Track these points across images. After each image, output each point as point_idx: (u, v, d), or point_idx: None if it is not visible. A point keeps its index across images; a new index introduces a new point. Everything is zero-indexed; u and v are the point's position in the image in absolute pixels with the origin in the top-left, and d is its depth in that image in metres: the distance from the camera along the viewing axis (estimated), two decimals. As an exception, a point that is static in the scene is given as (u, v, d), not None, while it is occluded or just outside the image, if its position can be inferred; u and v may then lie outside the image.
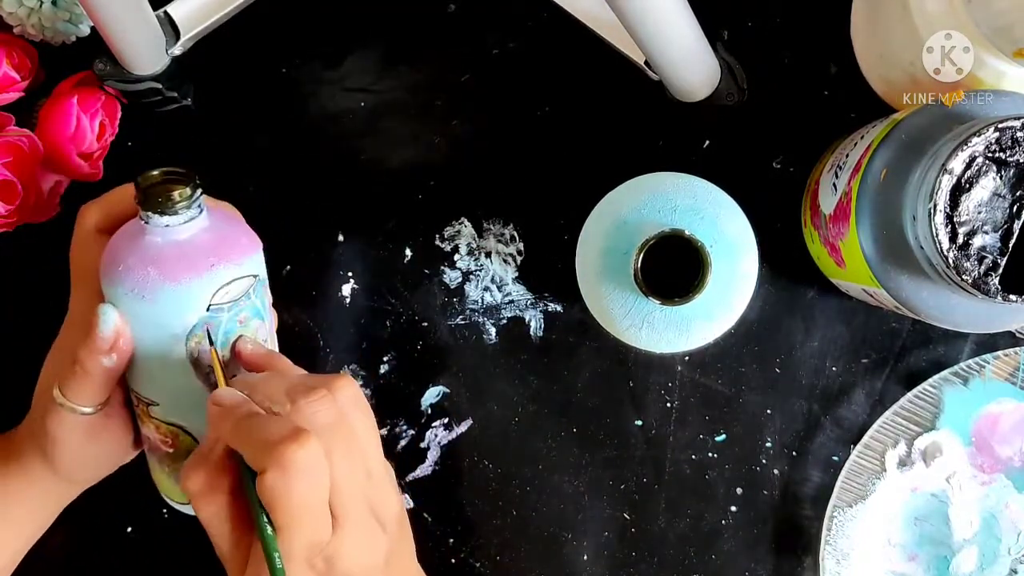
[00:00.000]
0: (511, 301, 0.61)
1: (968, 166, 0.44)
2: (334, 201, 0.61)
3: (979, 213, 0.44)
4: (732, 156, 0.60)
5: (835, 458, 0.61)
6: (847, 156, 0.52)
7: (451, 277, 0.61)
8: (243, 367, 0.46)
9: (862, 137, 0.52)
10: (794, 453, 0.61)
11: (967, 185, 0.44)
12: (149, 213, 0.44)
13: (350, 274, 0.62)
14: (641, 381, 0.61)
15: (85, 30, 0.59)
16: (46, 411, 0.47)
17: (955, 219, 0.44)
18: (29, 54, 0.58)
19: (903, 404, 0.59)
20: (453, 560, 0.61)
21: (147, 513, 0.61)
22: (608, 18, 0.53)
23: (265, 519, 0.39)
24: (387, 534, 0.42)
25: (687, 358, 0.61)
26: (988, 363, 0.59)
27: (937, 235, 0.44)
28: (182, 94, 0.60)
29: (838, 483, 0.59)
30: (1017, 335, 0.60)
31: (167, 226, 0.45)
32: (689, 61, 0.53)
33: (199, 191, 0.45)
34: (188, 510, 0.50)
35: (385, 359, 0.62)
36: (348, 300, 0.61)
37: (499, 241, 0.61)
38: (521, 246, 0.61)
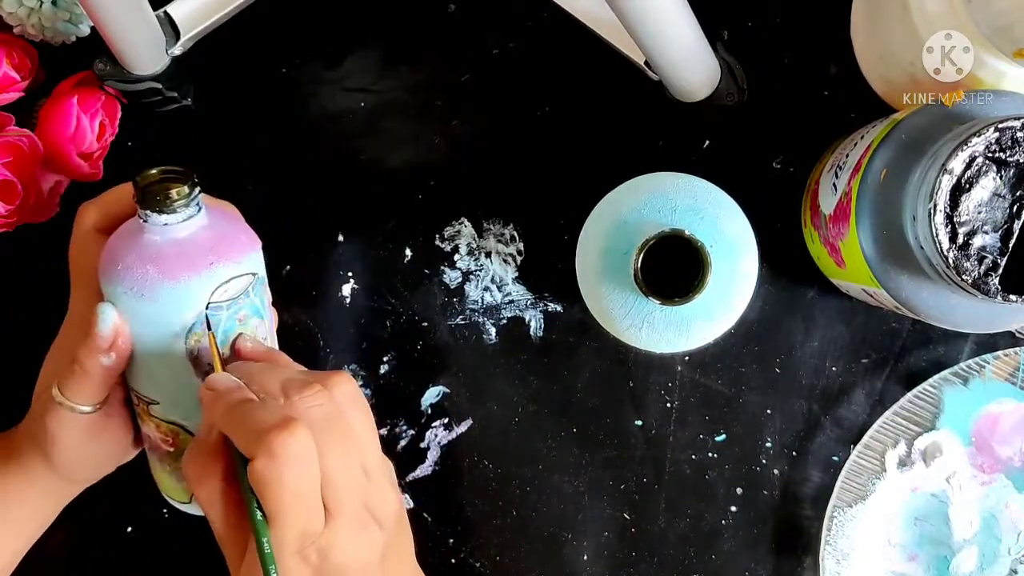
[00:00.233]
0: (511, 301, 0.61)
1: (968, 166, 0.44)
2: (334, 201, 0.61)
3: (979, 213, 0.44)
4: (732, 156, 0.60)
5: (835, 458, 0.61)
6: (847, 156, 0.52)
7: (451, 277, 0.61)
8: None
9: (862, 137, 0.52)
10: (794, 453, 0.61)
11: (967, 185, 0.44)
12: (147, 212, 0.44)
13: (350, 274, 0.62)
14: (641, 381, 0.61)
15: (85, 30, 0.59)
16: (45, 410, 0.47)
17: (955, 219, 0.44)
18: (29, 54, 0.58)
19: (903, 404, 0.59)
20: (453, 560, 0.61)
21: (147, 513, 0.61)
22: (608, 18, 0.53)
23: (256, 505, 0.39)
24: (383, 531, 0.42)
25: (687, 358, 0.61)
26: (988, 363, 0.59)
27: (937, 235, 0.44)
28: (182, 94, 0.60)
29: (838, 483, 0.59)
30: (1017, 335, 0.60)
31: (165, 224, 0.45)
32: (689, 61, 0.53)
33: (197, 189, 0.45)
34: (189, 509, 0.50)
35: (385, 359, 0.62)
36: (348, 300, 0.61)
37: (499, 241, 0.61)
38: (521, 246, 0.61)
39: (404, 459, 0.61)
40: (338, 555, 0.40)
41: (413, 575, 0.48)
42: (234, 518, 0.41)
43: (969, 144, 0.43)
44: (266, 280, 0.49)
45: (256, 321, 0.47)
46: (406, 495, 0.61)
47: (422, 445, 0.61)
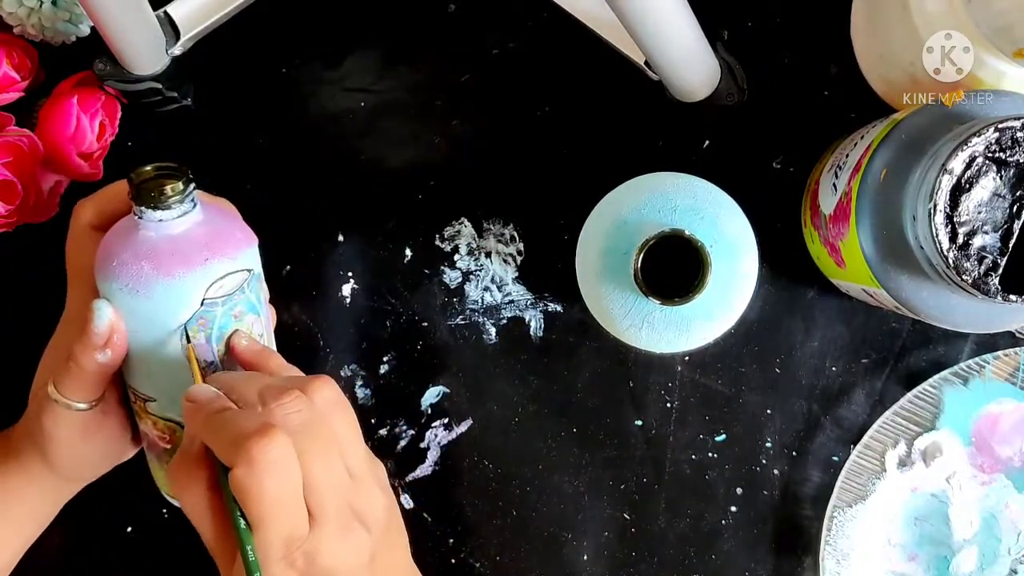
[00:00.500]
0: (511, 301, 0.61)
1: (968, 166, 0.44)
2: (334, 201, 0.61)
3: (979, 213, 0.44)
4: (732, 156, 0.60)
5: (835, 458, 0.61)
6: (847, 156, 0.52)
7: (451, 277, 0.61)
8: (237, 362, 0.46)
9: (862, 137, 0.52)
10: (794, 453, 0.61)
11: (967, 185, 0.44)
12: (142, 208, 0.45)
13: (350, 274, 0.62)
14: (641, 381, 0.61)
15: (85, 30, 0.59)
16: (42, 408, 0.47)
17: (955, 219, 0.44)
18: (29, 54, 0.58)
19: (903, 404, 0.59)
20: (453, 560, 0.61)
21: (147, 513, 0.61)
22: (608, 18, 0.53)
23: (239, 514, 0.39)
24: (371, 533, 0.42)
25: (687, 358, 0.61)
26: (988, 363, 0.59)
27: (937, 235, 0.44)
28: (182, 94, 0.60)
29: (838, 483, 0.59)
30: (1017, 335, 0.60)
31: (160, 221, 0.45)
32: (689, 61, 0.53)
33: (192, 185, 0.45)
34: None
35: (385, 359, 0.62)
36: (348, 300, 0.61)
37: (499, 241, 0.61)
38: (521, 246, 0.61)
39: (404, 459, 0.61)
40: (325, 559, 0.40)
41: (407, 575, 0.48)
42: (221, 527, 0.41)
43: (969, 144, 0.43)
44: (263, 276, 0.49)
45: (252, 317, 0.47)
46: (406, 495, 0.61)
47: (422, 445, 0.61)
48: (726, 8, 0.59)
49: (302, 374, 0.47)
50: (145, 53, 0.55)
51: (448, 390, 0.61)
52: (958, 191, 0.44)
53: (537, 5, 0.60)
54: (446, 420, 0.61)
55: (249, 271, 0.47)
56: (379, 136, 0.61)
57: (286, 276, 0.61)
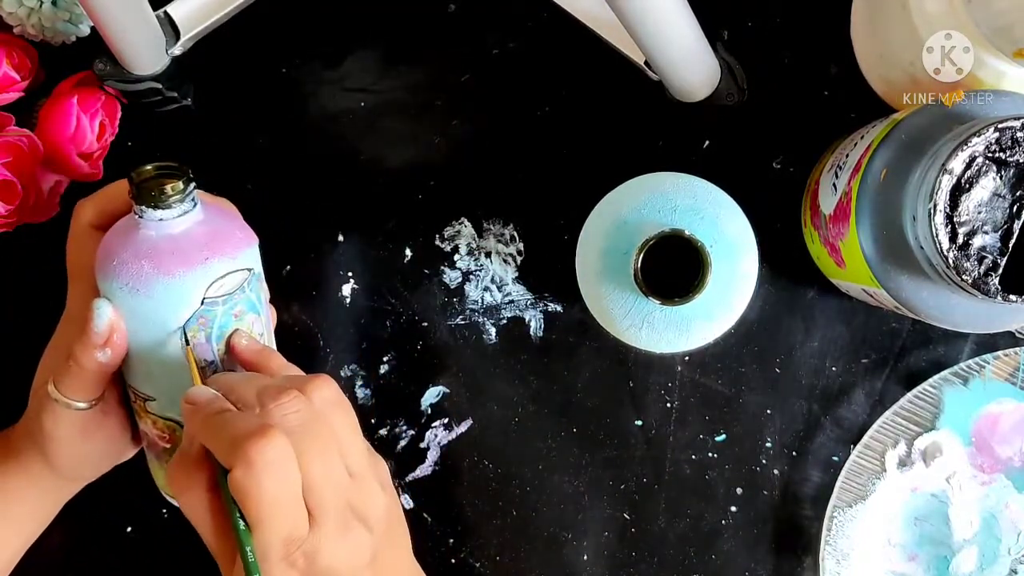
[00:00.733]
0: (511, 301, 0.61)
1: (968, 166, 0.44)
2: (334, 201, 0.61)
3: (979, 213, 0.44)
4: (732, 156, 0.60)
5: (835, 458, 0.61)
6: (847, 156, 0.52)
7: (451, 277, 0.61)
8: (237, 361, 0.46)
9: (862, 137, 0.52)
10: (794, 453, 0.61)
11: (967, 185, 0.44)
12: (143, 207, 0.45)
13: (350, 274, 0.62)
14: (641, 381, 0.61)
15: (85, 30, 0.59)
16: (41, 407, 0.47)
17: (955, 219, 0.44)
18: (29, 54, 0.58)
19: (903, 404, 0.59)
20: (453, 560, 0.61)
21: (147, 513, 0.61)
22: (608, 18, 0.53)
23: (238, 515, 0.39)
24: (372, 532, 0.42)
25: (687, 358, 0.61)
26: (988, 363, 0.59)
27: (937, 235, 0.44)
28: (182, 94, 0.60)
29: (838, 483, 0.59)
30: (1017, 335, 0.60)
31: (161, 220, 0.45)
32: (689, 61, 0.53)
33: (192, 185, 0.45)
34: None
35: (385, 359, 0.62)
36: (348, 300, 0.61)
37: (499, 241, 0.61)
38: (521, 246, 0.61)
39: (404, 459, 0.61)
40: (325, 559, 0.40)
41: (410, 574, 0.48)
42: (222, 528, 0.41)
43: (969, 144, 0.43)
44: (263, 276, 0.49)
45: (252, 317, 0.47)
46: (406, 495, 0.61)
47: (422, 445, 0.61)
48: (726, 8, 0.59)
49: (303, 373, 0.47)
50: (145, 53, 0.55)
51: (448, 390, 0.61)
52: (958, 191, 0.44)
53: (537, 5, 0.60)
54: (446, 420, 0.61)
55: (249, 270, 0.47)
56: (379, 136, 0.61)
57: (286, 276, 0.61)
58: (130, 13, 0.51)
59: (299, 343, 0.61)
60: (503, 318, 0.61)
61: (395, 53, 0.61)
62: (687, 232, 0.49)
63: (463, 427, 0.61)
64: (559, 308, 0.61)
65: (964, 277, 0.44)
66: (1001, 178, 0.44)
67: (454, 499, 0.61)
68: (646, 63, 0.56)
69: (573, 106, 0.61)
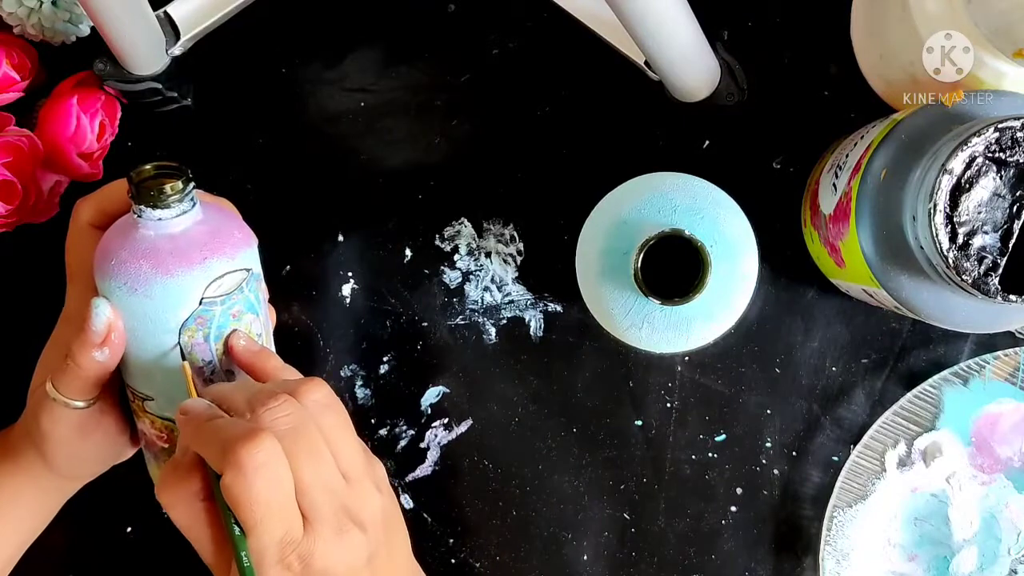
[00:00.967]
0: (511, 301, 0.61)
1: (968, 166, 0.44)
2: (334, 201, 0.61)
3: (979, 213, 0.44)
4: (732, 156, 0.60)
5: (835, 458, 0.61)
6: (847, 156, 0.52)
7: (451, 277, 0.61)
8: (235, 362, 0.46)
9: (862, 137, 0.52)
10: (794, 453, 0.61)
11: (967, 185, 0.44)
12: (142, 207, 0.45)
13: (350, 274, 0.62)
14: (641, 381, 0.61)
15: (85, 30, 0.59)
16: (39, 406, 0.47)
17: (955, 219, 0.44)
18: (29, 54, 0.58)
19: (903, 404, 0.59)
20: (453, 560, 0.61)
21: (147, 513, 0.61)
22: (608, 18, 0.53)
23: (233, 520, 0.39)
24: (367, 534, 0.42)
25: (687, 358, 0.61)
26: (988, 363, 0.59)
27: (937, 235, 0.44)
28: (182, 94, 0.60)
29: (838, 483, 0.59)
30: (1017, 335, 0.60)
31: (160, 219, 0.45)
32: (689, 61, 0.53)
33: (191, 185, 0.45)
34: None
35: (385, 359, 0.62)
36: (348, 300, 0.61)
37: (499, 241, 0.61)
38: (521, 246, 0.61)
39: (404, 459, 0.61)
40: (321, 561, 0.40)
41: (409, 575, 0.48)
42: (216, 538, 0.41)
43: (969, 144, 0.43)
44: (262, 276, 0.49)
45: (251, 317, 0.47)
46: (406, 495, 0.61)
47: (422, 445, 0.61)
48: (726, 8, 0.59)
49: (299, 375, 0.47)
50: (145, 53, 0.55)
51: (448, 390, 0.61)
52: (958, 191, 0.44)
53: (537, 5, 0.60)
54: (446, 420, 0.61)
55: (248, 271, 0.47)
56: (379, 136, 0.61)
57: (286, 276, 0.61)
58: (130, 13, 0.51)
59: (299, 343, 0.61)
60: (503, 318, 0.61)
61: (395, 53, 0.61)
62: (687, 232, 0.49)
63: (463, 427, 0.61)
64: (559, 308, 0.61)
65: (964, 277, 0.44)
66: (1001, 178, 0.44)
67: (454, 499, 0.61)
68: (646, 63, 0.56)
69: (573, 106, 0.61)
